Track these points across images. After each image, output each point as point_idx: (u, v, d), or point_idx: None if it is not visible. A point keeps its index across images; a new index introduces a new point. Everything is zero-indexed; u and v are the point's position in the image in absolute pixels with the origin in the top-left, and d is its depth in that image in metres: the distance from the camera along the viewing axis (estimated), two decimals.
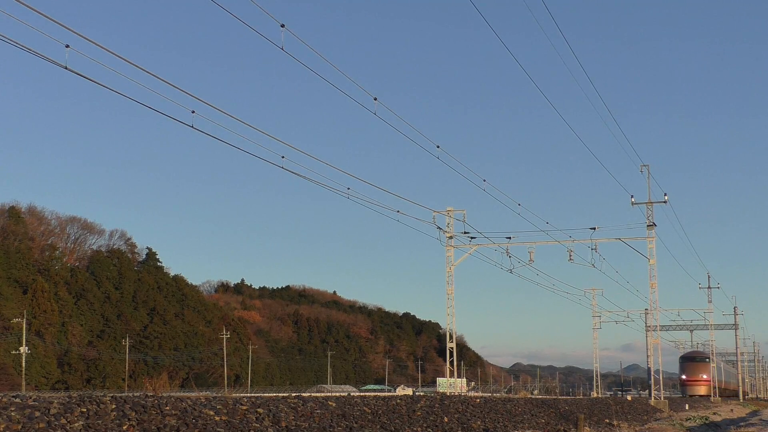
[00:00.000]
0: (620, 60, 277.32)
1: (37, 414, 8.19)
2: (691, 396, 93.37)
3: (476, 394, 52.88)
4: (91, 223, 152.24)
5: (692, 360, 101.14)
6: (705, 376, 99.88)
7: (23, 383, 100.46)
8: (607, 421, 26.11)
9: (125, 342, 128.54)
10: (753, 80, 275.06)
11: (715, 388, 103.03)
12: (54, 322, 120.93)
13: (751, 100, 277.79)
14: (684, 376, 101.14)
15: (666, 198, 51.69)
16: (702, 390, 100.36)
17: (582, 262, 55.82)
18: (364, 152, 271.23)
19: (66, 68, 16.28)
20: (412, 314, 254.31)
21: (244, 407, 11.15)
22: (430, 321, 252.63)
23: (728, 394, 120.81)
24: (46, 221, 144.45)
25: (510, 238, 51.63)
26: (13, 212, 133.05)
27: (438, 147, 30.36)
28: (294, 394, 14.48)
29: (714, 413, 45.62)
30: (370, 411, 13.83)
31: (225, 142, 21.25)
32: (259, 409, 11.34)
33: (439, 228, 49.83)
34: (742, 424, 32.92)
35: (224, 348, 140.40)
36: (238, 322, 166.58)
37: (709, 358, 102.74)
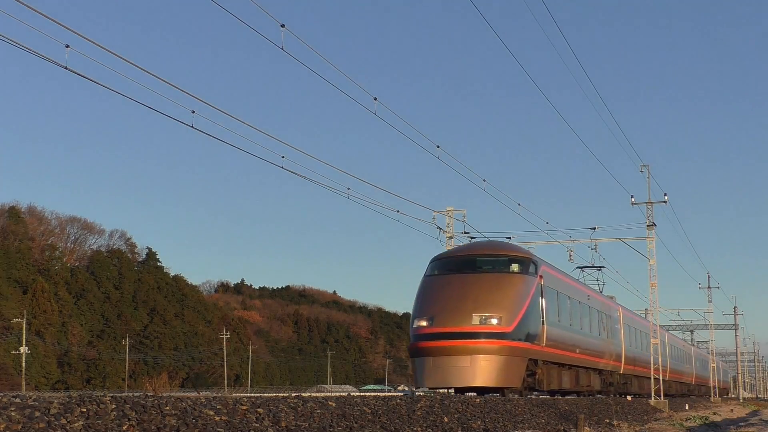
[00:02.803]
0: (620, 60, 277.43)
1: (37, 414, 8.19)
2: (433, 389, 24.79)
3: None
4: (91, 223, 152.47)
5: (446, 271, 26.34)
6: (495, 321, 23.92)
7: (23, 383, 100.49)
8: (607, 421, 26.13)
9: (125, 342, 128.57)
10: (753, 80, 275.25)
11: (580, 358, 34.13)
12: (54, 322, 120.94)
13: (751, 99, 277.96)
14: (419, 323, 24.78)
15: (666, 198, 51.60)
16: (480, 376, 23.92)
17: (582, 262, 55.71)
18: (364, 152, 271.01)
19: (66, 68, 16.21)
20: None
21: (244, 407, 11.15)
22: None
23: (705, 391, 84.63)
24: (46, 221, 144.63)
25: (510, 238, 51.53)
26: (13, 212, 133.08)
27: (438, 147, 30.12)
28: (294, 394, 14.49)
29: (714, 413, 45.67)
30: (370, 411, 13.83)
31: (225, 142, 21.07)
32: (259, 409, 11.34)
33: (439, 228, 49.70)
34: (742, 424, 32.97)
35: (224, 348, 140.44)
36: (238, 322, 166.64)
37: (524, 261, 26.84)
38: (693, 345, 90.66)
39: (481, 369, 23.93)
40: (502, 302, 24.80)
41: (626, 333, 44.19)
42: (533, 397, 28.38)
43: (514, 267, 26.58)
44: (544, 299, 27.24)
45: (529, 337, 25.52)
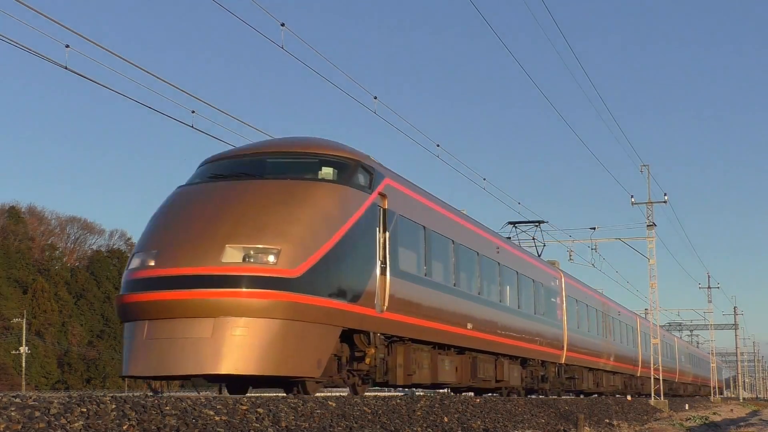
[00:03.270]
0: (620, 59, 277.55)
1: (37, 414, 8.19)
2: (147, 379, 15.59)
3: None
4: (91, 223, 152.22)
5: (210, 178, 15.20)
6: (271, 259, 13.17)
7: (23, 383, 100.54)
8: (607, 421, 26.15)
9: None
10: (753, 79, 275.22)
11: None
12: (54, 322, 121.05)
13: (751, 99, 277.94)
14: (136, 260, 13.48)
15: (666, 198, 51.63)
16: (232, 355, 12.70)
17: (582, 262, 55.94)
18: (363, 152, 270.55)
19: (66, 68, 16.25)
20: None
21: (244, 407, 11.15)
22: None
23: (692, 390, 77.36)
24: (46, 221, 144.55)
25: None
26: (13, 212, 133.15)
27: (438, 146, 30.18)
28: (294, 394, 14.50)
29: (714, 413, 45.70)
30: (370, 411, 13.83)
31: (225, 142, 21.12)
32: (259, 409, 11.34)
33: None
34: (742, 424, 33.00)
35: None
36: None
37: (346, 164, 15.67)
38: (677, 336, 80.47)
39: (235, 343, 12.82)
40: (286, 227, 13.66)
41: (571, 310, 32.73)
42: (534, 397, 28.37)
43: (326, 172, 15.31)
44: (387, 233, 16.06)
45: (346, 293, 14.48)
